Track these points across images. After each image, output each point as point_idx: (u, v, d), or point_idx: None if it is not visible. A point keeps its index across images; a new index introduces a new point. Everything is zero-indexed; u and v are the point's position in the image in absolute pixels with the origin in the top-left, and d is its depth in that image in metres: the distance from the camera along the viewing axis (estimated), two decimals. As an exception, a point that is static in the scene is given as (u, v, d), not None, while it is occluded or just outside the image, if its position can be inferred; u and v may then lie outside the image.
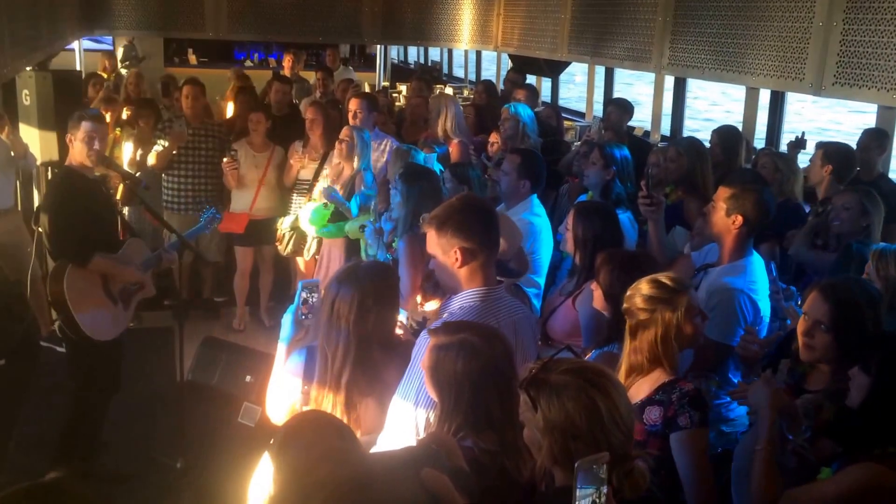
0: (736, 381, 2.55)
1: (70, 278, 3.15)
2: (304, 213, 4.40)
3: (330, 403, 2.13)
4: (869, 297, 2.11)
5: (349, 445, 1.59)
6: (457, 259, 2.10)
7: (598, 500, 1.26)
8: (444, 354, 1.79)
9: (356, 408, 2.14)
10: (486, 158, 4.61)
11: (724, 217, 2.66)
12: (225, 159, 4.93)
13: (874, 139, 3.90)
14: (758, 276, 2.69)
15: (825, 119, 17.06)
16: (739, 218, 2.63)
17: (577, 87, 11.84)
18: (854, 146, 3.93)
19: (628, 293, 2.16)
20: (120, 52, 8.95)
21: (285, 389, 2.21)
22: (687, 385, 2.06)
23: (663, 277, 2.15)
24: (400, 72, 11.46)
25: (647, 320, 2.09)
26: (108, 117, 5.59)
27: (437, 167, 3.96)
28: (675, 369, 2.11)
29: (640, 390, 2.10)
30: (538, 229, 3.32)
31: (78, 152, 3.29)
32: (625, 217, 3.40)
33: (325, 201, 4.22)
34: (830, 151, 3.73)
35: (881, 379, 1.78)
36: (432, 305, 2.72)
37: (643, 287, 2.13)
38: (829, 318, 2.04)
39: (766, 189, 2.78)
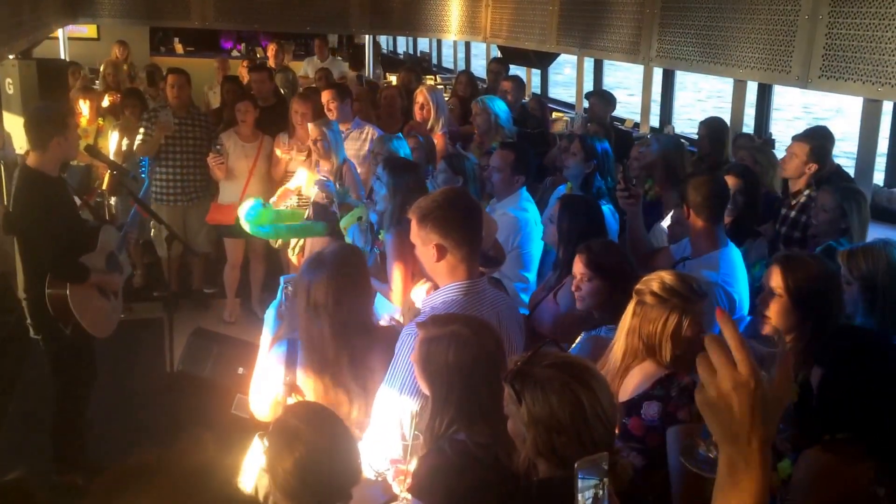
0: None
1: (71, 286, 3.22)
2: (241, 210, 4.10)
3: (324, 392, 2.12)
4: (825, 268, 2.20)
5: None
6: (433, 254, 2.12)
7: (601, 492, 1.27)
8: (435, 347, 1.80)
9: (349, 395, 2.14)
10: (461, 148, 4.60)
11: (685, 209, 2.76)
12: (210, 155, 4.89)
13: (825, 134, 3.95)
14: (733, 267, 2.71)
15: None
16: (687, 207, 2.73)
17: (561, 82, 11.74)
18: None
19: (648, 277, 2.14)
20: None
21: (268, 381, 2.21)
22: (685, 379, 2.05)
23: (691, 279, 2.16)
24: (389, 62, 11.38)
25: (656, 308, 2.07)
26: (87, 106, 5.54)
27: (405, 150, 3.94)
28: (667, 363, 2.09)
29: (632, 382, 2.08)
30: (525, 223, 3.32)
31: (70, 149, 3.28)
32: (606, 209, 3.41)
33: (263, 200, 4.11)
34: (818, 149, 3.71)
35: (833, 369, 1.81)
36: (421, 289, 2.73)
37: (666, 277, 2.12)
38: (780, 283, 2.12)
39: (719, 179, 2.82)
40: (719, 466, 0.93)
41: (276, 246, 4.93)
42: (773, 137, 4.54)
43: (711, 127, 4.57)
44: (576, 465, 1.04)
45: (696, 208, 2.72)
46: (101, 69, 7.12)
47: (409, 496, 1.87)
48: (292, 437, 1.70)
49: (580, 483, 1.18)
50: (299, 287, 2.17)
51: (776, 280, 2.16)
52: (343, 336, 2.12)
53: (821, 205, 3.16)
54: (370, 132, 4.87)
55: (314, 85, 6.41)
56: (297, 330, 2.20)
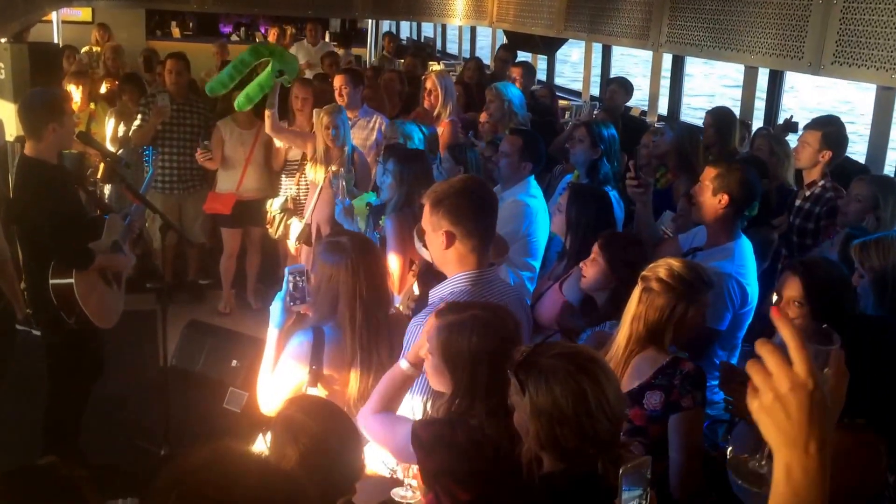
0: (718, 362, 2.56)
1: (77, 275, 3.15)
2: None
3: (360, 381, 2.14)
4: (840, 273, 2.21)
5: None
6: (442, 241, 2.09)
7: (644, 502, 1.24)
8: (456, 332, 1.77)
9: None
10: (473, 136, 4.50)
11: (711, 197, 2.65)
12: (198, 151, 4.78)
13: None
14: (746, 259, 2.68)
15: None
16: (725, 197, 2.62)
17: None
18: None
19: (655, 263, 2.14)
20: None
21: (289, 372, 2.17)
22: (687, 366, 2.04)
23: (700, 268, 2.16)
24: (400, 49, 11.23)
25: (662, 295, 2.06)
26: (80, 91, 5.42)
27: (418, 135, 3.84)
28: (668, 349, 2.09)
29: (637, 371, 2.06)
30: (534, 211, 3.26)
31: (66, 136, 3.22)
32: (612, 195, 3.36)
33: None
34: (831, 136, 3.63)
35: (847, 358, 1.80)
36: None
37: (675, 263, 2.12)
38: (801, 293, 2.10)
39: (751, 169, 2.76)
40: (775, 473, 0.89)
41: (276, 237, 4.84)
42: (795, 120, 4.40)
43: (718, 116, 4.46)
44: (620, 472, 1.01)
45: (735, 201, 2.62)
46: (101, 53, 6.97)
47: (413, 482, 1.85)
48: (297, 430, 1.67)
49: (625, 494, 1.15)
50: (328, 273, 2.17)
51: (796, 290, 2.13)
52: (382, 322, 2.18)
53: (854, 194, 3.08)
54: (378, 121, 4.75)
55: (318, 71, 6.30)
56: (323, 319, 2.20)
